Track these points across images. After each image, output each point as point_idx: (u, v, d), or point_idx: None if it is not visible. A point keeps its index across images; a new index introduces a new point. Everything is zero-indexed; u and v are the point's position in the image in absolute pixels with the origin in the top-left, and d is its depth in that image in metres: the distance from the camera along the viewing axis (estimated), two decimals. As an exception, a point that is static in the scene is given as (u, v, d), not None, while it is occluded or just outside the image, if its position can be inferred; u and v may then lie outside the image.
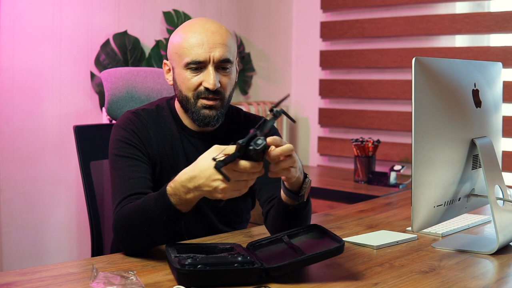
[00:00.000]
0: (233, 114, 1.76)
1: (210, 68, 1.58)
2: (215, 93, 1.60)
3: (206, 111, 1.61)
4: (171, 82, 1.68)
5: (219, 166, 1.28)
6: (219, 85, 1.59)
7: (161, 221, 1.40)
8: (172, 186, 1.38)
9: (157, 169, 1.64)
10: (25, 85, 2.73)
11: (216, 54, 1.58)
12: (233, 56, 1.63)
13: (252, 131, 1.29)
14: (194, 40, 1.58)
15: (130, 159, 1.59)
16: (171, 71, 1.67)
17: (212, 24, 1.62)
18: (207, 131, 1.69)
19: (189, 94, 1.61)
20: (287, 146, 1.34)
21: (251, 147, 1.27)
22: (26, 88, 2.73)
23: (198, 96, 1.60)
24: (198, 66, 1.59)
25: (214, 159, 1.29)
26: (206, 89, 1.59)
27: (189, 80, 1.60)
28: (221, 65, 1.60)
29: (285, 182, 1.48)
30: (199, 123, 1.63)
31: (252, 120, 1.77)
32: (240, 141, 1.27)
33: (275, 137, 1.34)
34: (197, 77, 1.60)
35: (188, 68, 1.59)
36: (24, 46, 2.71)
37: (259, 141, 1.28)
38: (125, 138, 1.61)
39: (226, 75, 1.61)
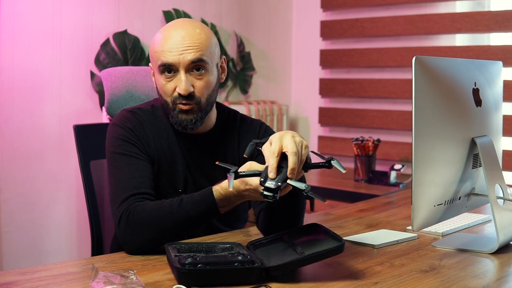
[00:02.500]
0: (229, 116, 1.76)
1: (182, 73, 1.56)
2: (188, 98, 1.58)
3: (183, 116, 1.60)
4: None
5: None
6: (191, 89, 1.57)
7: (198, 222, 1.48)
8: (222, 193, 1.45)
9: (155, 167, 1.64)
10: (25, 85, 2.73)
11: (187, 57, 1.55)
12: (209, 56, 1.59)
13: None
14: (165, 44, 1.56)
15: (129, 157, 1.58)
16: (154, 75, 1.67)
17: (185, 26, 1.59)
18: (201, 133, 1.68)
19: (168, 99, 1.60)
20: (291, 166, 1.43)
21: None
22: (26, 88, 2.73)
23: (175, 102, 1.59)
24: (170, 69, 1.57)
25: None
26: (180, 94, 1.57)
27: (165, 86, 1.59)
28: (195, 66, 1.57)
29: None
30: (177, 126, 1.62)
31: (249, 124, 1.76)
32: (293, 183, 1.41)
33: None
34: (171, 82, 1.58)
35: (163, 73, 1.58)
36: (24, 46, 2.70)
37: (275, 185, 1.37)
38: (124, 136, 1.61)
39: (201, 77, 1.58)
